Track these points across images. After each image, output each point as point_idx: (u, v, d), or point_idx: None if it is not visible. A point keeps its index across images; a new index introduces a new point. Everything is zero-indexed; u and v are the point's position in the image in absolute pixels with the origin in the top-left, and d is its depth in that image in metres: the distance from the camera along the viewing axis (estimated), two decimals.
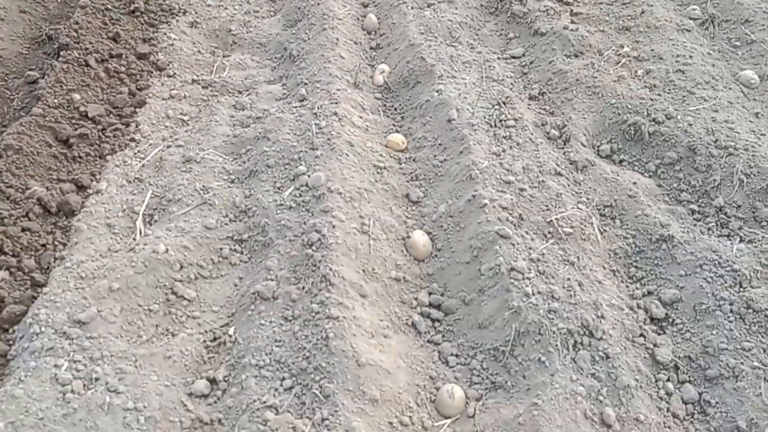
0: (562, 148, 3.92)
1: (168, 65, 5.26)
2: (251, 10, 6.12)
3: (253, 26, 5.80)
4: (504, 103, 4.14)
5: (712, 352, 2.81)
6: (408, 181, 3.89)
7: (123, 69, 5.10)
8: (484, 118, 4.04)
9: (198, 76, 5.23)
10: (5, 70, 5.60)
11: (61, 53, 4.99)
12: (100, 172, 4.23)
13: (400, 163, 4.04)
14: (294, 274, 3.24)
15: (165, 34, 5.56)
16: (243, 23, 5.81)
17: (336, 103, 4.30)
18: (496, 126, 3.99)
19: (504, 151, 3.78)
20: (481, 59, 4.74)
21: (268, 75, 5.24)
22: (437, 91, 4.31)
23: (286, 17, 5.83)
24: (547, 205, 3.39)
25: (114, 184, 4.07)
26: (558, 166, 3.72)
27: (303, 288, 3.15)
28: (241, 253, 3.63)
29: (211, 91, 5.06)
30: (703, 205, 3.52)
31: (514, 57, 4.87)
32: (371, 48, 5.30)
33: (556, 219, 3.24)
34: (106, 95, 4.89)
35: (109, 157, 4.33)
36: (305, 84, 4.76)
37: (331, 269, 3.08)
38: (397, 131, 4.37)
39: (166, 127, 4.68)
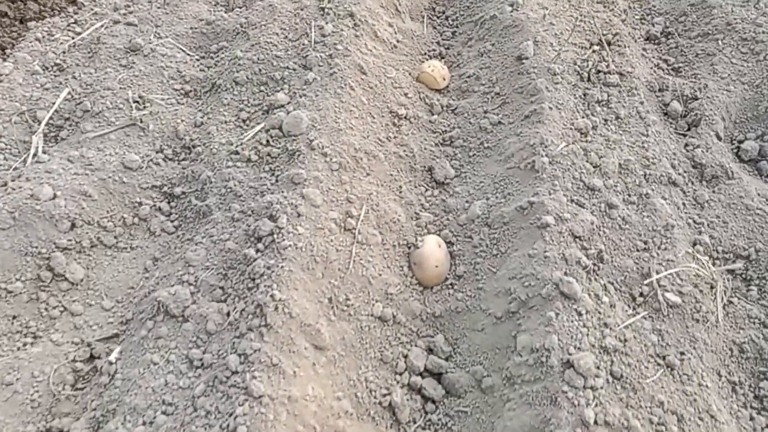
0: (685, 135, 2.51)
1: None
2: None
3: None
4: (608, 44, 2.68)
5: None
6: (436, 145, 2.56)
7: None
8: (574, 63, 2.61)
9: None
10: None
11: None
12: (12, 44, 2.98)
13: (432, 112, 2.68)
14: (222, 282, 2.06)
15: None
16: None
17: None
18: (589, 80, 2.57)
19: (595, 128, 2.39)
20: None
21: None
22: (511, 4, 2.85)
23: None
24: (646, 242, 2.07)
25: (23, 68, 2.83)
26: (674, 168, 2.34)
27: (228, 314, 1.97)
28: (168, 216, 2.43)
29: None
30: None
31: None
32: None
33: (658, 278, 1.94)
34: None
35: (31, 24, 3.06)
36: None
37: (273, 296, 1.88)
38: (439, 55, 2.97)
39: None
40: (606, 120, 2.44)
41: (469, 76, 2.73)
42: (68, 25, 3.07)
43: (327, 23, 2.74)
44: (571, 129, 2.35)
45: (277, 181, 2.28)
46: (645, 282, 1.94)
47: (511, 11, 2.81)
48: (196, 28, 3.02)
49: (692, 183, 2.32)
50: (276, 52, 2.68)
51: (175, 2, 3.13)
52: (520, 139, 2.34)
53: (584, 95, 2.51)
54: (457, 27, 3.08)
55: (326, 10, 2.80)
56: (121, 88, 2.69)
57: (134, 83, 2.72)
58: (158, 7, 3.13)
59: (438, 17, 3.20)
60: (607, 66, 2.60)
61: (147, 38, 2.93)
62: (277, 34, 2.76)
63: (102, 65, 2.82)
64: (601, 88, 2.54)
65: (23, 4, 3.10)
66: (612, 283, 1.96)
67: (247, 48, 2.74)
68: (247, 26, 2.89)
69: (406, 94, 2.66)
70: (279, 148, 2.36)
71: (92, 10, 3.15)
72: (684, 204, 2.24)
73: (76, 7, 3.17)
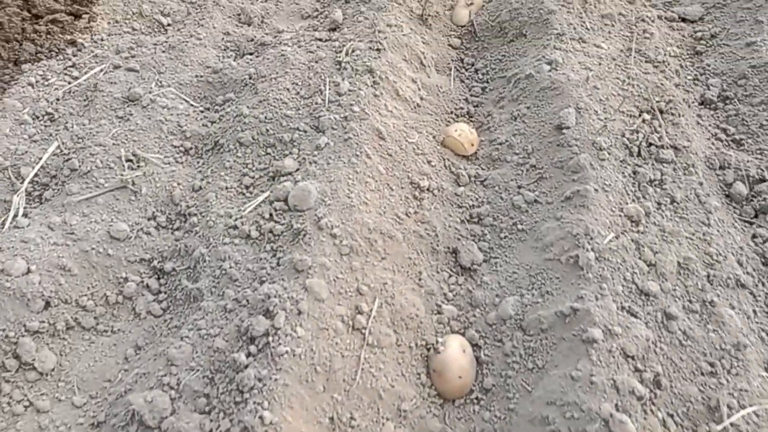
0: (752, 224, 2.18)
1: None
2: None
3: None
4: (661, 112, 2.37)
5: None
6: (462, 222, 2.25)
7: None
8: (622, 135, 2.30)
9: None
10: None
11: None
12: (3, 89, 2.74)
13: (458, 183, 2.38)
14: (208, 388, 1.75)
15: None
16: None
17: (379, 49, 2.61)
18: (639, 155, 2.26)
19: (648, 215, 2.07)
20: (632, 14, 2.89)
21: None
22: (549, 63, 2.55)
23: None
24: (712, 364, 1.73)
25: (11, 116, 2.59)
26: (742, 266, 2.01)
27: (211, 430, 1.66)
28: (157, 295, 2.14)
29: None
30: None
31: (685, 19, 3.00)
32: None
33: (731, 421, 1.60)
34: None
35: (26, 67, 2.82)
36: (345, 1, 3.05)
37: (262, 418, 1.57)
38: (467, 114, 2.67)
39: (132, 30, 3.10)
40: (660, 204, 2.12)
41: (500, 143, 2.43)
42: (65, 69, 2.82)
43: (343, 80, 2.46)
44: (620, 216, 2.03)
45: (278, 264, 1.98)
46: (714, 417, 1.61)
47: (550, 71, 2.51)
48: (201, 77, 2.76)
49: (763, 284, 1.98)
50: (286, 111, 2.40)
51: (181, 47, 2.88)
52: (561, 226, 2.02)
53: (634, 173, 2.19)
54: (487, 82, 2.79)
55: (343, 64, 2.52)
56: (114, 144, 2.42)
57: (129, 138, 2.46)
58: (163, 51, 2.88)
59: (467, 70, 2.91)
60: (660, 138, 2.29)
61: (148, 86, 2.67)
62: (288, 89, 2.49)
63: (97, 116, 2.57)
64: (653, 164, 2.23)
65: (18, 45, 2.86)
66: (672, 416, 1.63)
67: (254, 104, 2.47)
68: (257, 78, 2.63)
69: (429, 162, 2.37)
70: (283, 224, 2.07)
71: (93, 52, 2.91)
72: (755, 312, 1.91)
73: (75, 49, 2.94)
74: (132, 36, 3.04)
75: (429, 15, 2.98)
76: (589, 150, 2.20)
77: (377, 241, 2.04)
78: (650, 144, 2.28)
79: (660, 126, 2.32)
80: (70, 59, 2.88)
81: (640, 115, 2.37)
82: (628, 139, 2.27)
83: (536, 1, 2.82)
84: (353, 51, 2.60)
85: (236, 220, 2.13)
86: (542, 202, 2.17)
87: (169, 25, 3.16)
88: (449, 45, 2.99)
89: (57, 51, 2.90)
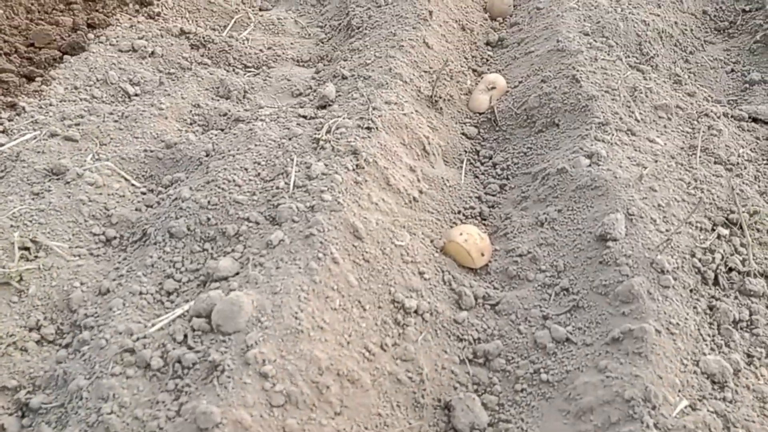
0: None
1: (158, 0, 3.23)
2: None
3: None
4: (742, 227, 1.73)
5: None
6: (462, 363, 1.58)
7: None
8: (692, 255, 1.65)
9: (196, 27, 3.16)
10: None
11: None
12: None
13: (460, 305, 1.72)
14: None
15: None
16: None
17: (369, 127, 2.05)
18: (717, 283, 1.61)
19: (737, 373, 1.38)
20: (694, 108, 2.33)
21: (306, 50, 3.08)
22: (589, 156, 1.96)
23: None
24: None
25: None
26: None
27: None
28: None
29: (203, 54, 2.97)
30: None
31: (757, 119, 2.42)
32: (488, 42, 3.00)
33: None
34: (32, 22, 2.93)
35: None
36: (343, 77, 2.55)
37: None
38: (479, 216, 2.06)
39: (91, 98, 2.63)
40: (751, 357, 1.43)
41: (521, 255, 1.80)
42: None
43: (318, 160, 1.89)
44: (695, 373, 1.35)
45: (178, 413, 1.32)
46: None
47: (590, 165, 1.92)
48: (151, 152, 2.23)
49: None
50: (237, 195, 1.82)
51: (137, 116, 2.38)
52: (606, 382, 1.34)
53: (710, 309, 1.53)
54: (508, 179, 2.20)
55: (321, 142, 1.96)
56: (12, 226, 1.85)
57: (35, 221, 1.89)
58: (114, 121, 2.38)
59: (482, 163, 2.34)
60: (745, 262, 1.63)
61: (81, 159, 2.14)
62: (246, 169, 1.92)
63: (7, 191, 2.02)
64: (737, 298, 1.56)
65: None
66: None
67: (199, 185, 1.89)
68: (213, 155, 2.08)
69: (422, 274, 1.73)
70: (198, 352, 1.43)
71: (33, 117, 2.42)
72: None
73: (13, 113, 2.45)
74: (87, 103, 2.56)
75: (440, 97, 2.45)
76: (646, 272, 1.54)
77: (330, 387, 1.37)
78: (731, 269, 1.63)
79: (744, 245, 1.67)
80: (2, 123, 2.38)
81: (713, 229, 1.73)
82: (700, 260, 1.63)
83: (573, 85, 2.28)
84: (337, 128, 2.04)
85: (137, 340, 1.50)
86: (577, 343, 1.50)
87: (136, 95, 2.68)
88: (463, 134, 2.43)
89: None
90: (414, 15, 2.83)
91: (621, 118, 2.16)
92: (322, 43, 3.17)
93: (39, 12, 2.99)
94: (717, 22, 2.98)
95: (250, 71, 2.92)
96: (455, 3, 3.12)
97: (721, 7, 3.01)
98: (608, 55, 2.46)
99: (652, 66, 2.53)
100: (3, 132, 2.35)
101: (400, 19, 2.84)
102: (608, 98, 2.23)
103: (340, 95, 2.43)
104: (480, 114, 2.52)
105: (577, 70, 2.34)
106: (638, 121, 2.18)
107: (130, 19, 3.09)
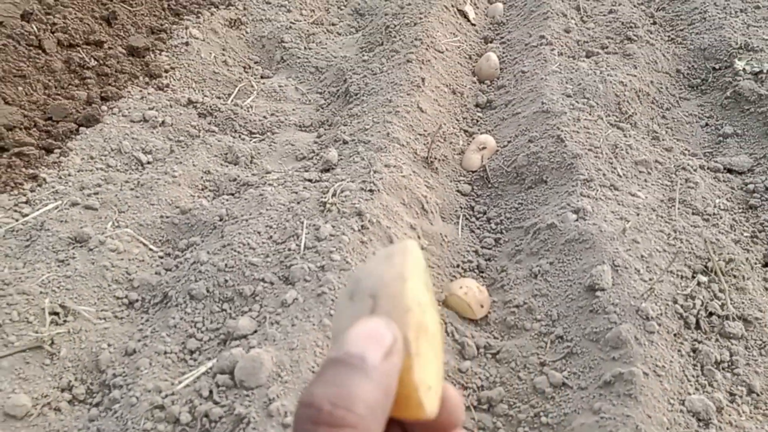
0: None
1: (167, 73, 3.43)
2: (326, 20, 4.24)
3: (318, 41, 3.89)
4: (720, 273, 1.88)
5: None
6: (467, 409, 1.70)
7: (94, 64, 3.31)
8: (674, 301, 1.80)
9: (203, 96, 3.35)
10: None
11: (11, 23, 3.28)
12: None
13: (463, 355, 1.85)
14: None
15: (186, 28, 3.76)
16: (304, 35, 3.92)
17: (372, 190, 2.21)
18: (698, 327, 1.74)
19: (720, 410, 1.51)
20: (671, 162, 2.51)
21: (307, 115, 3.27)
22: (576, 211, 2.13)
23: (368, 38, 3.87)
24: None
25: None
26: None
27: None
28: None
29: (210, 122, 3.15)
30: None
31: (731, 170, 2.60)
32: (477, 105, 3.20)
33: None
34: (50, 97, 3.11)
35: None
36: (344, 142, 2.73)
37: None
38: (477, 269, 2.21)
39: (106, 167, 2.78)
40: (733, 395, 1.56)
41: (517, 306, 1.93)
42: (16, 205, 2.47)
43: (326, 223, 2.04)
44: (681, 412, 1.47)
45: None
46: None
47: (577, 220, 2.07)
48: (167, 218, 2.38)
49: None
50: (252, 258, 1.96)
51: (151, 184, 2.53)
52: (600, 423, 1.46)
53: (694, 352, 1.66)
54: (502, 233, 2.36)
55: (328, 205, 2.12)
56: (41, 292, 1.98)
57: (62, 287, 2.02)
58: (131, 189, 2.53)
59: (477, 219, 2.49)
60: (723, 306, 1.77)
61: (102, 227, 2.29)
62: (259, 232, 2.07)
63: (34, 258, 2.16)
64: (718, 340, 1.70)
65: None
66: None
67: (216, 249, 2.04)
68: (227, 220, 2.23)
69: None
70: (224, 406, 1.55)
71: (54, 188, 2.57)
72: None
73: (35, 184, 2.60)
74: (104, 173, 2.72)
75: (435, 158, 2.63)
76: (632, 319, 1.68)
77: None
78: (711, 313, 1.76)
79: (722, 291, 1.82)
80: (25, 195, 2.53)
81: (694, 277, 1.88)
82: (682, 306, 1.77)
83: (558, 145, 2.46)
84: (342, 191, 2.20)
85: (165, 397, 1.61)
86: (573, 387, 1.62)
87: (148, 162, 2.84)
88: (458, 191, 2.60)
89: (13, 186, 2.57)
90: (408, 82, 3.03)
91: (604, 174, 2.33)
92: (322, 108, 3.37)
93: (56, 87, 3.17)
94: (690, 80, 3.19)
95: (255, 137, 3.11)
96: (445, 69, 3.34)
97: (693, 66, 3.23)
98: (590, 115, 2.65)
99: (631, 124, 2.72)
100: (26, 203, 2.50)
101: (395, 86, 3.04)
102: (591, 156, 2.41)
103: (342, 158, 2.60)
104: (473, 172, 2.69)
105: (562, 131, 2.52)
106: (620, 177, 2.35)
107: (140, 90, 3.27)
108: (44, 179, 2.63)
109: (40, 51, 3.26)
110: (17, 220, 2.39)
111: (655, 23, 3.62)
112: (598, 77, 2.89)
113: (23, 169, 2.68)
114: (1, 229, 2.33)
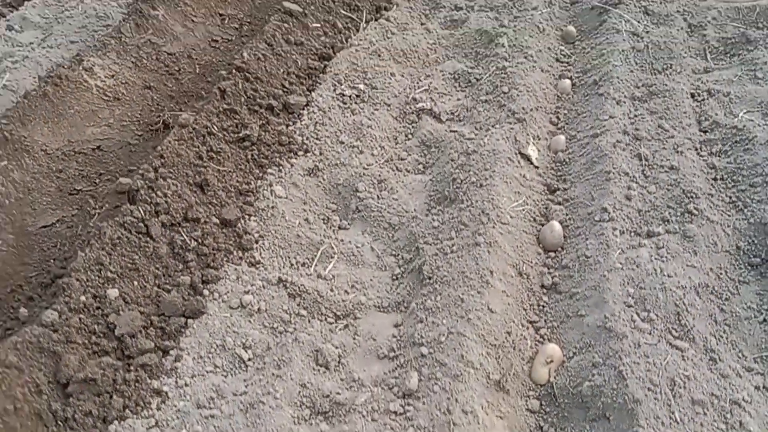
0: None
1: (256, 243, 3.80)
2: (395, 154, 4.51)
3: (390, 188, 4.17)
4: None
5: None
6: None
7: (194, 245, 3.71)
8: None
9: (290, 267, 3.72)
10: (100, 168, 4.52)
11: (122, 209, 3.69)
12: None
13: None
14: None
15: (270, 185, 4.12)
16: (376, 182, 4.20)
17: None
18: None
19: None
20: (727, 395, 2.72)
21: (384, 289, 3.59)
22: None
23: (435, 185, 4.14)
24: None
25: None
26: None
27: None
28: None
29: (298, 304, 3.51)
30: None
31: None
32: (543, 285, 3.45)
33: None
34: (159, 287, 3.52)
35: (112, 428, 2.92)
36: (422, 356, 3.04)
37: None
38: None
39: (214, 368, 3.20)
40: None
41: None
42: (148, 430, 2.91)
43: None
44: None
45: None
46: None
47: None
48: None
49: None
50: None
51: (257, 407, 2.92)
52: None
53: None
54: None
55: None
56: None
57: None
58: (240, 410, 2.93)
59: None
60: None
61: None
62: None
63: None
64: None
65: (109, 398, 2.99)
66: None
67: None
68: None
69: None
70: None
71: (175, 406, 3.00)
72: None
73: (159, 400, 3.03)
74: (214, 377, 3.13)
75: (506, 377, 2.92)
76: None
77: None
78: None
79: None
80: (153, 416, 2.96)
81: None
82: None
83: (620, 381, 2.71)
84: None
85: None
86: None
87: (249, 359, 3.24)
88: (528, 409, 2.89)
89: (143, 405, 3.00)
90: (478, 276, 3.30)
91: (662, 422, 2.58)
92: (397, 279, 3.66)
93: (164, 276, 3.58)
94: (750, 257, 3.34)
95: (340, 322, 3.45)
96: (511, 244, 3.58)
97: (753, 241, 3.38)
98: (650, 336, 2.88)
99: (689, 339, 2.93)
100: (156, 425, 2.94)
101: (465, 279, 3.31)
102: (651, 397, 2.66)
103: (421, 380, 2.92)
104: (541, 386, 2.97)
105: (623, 361, 2.76)
106: (677, 423, 2.60)
107: (235, 269, 3.65)
108: (167, 394, 3.06)
109: (148, 238, 3.66)
110: None
111: (716, 179, 3.74)
112: (658, 282, 3.09)
113: (148, 382, 3.09)
114: None
